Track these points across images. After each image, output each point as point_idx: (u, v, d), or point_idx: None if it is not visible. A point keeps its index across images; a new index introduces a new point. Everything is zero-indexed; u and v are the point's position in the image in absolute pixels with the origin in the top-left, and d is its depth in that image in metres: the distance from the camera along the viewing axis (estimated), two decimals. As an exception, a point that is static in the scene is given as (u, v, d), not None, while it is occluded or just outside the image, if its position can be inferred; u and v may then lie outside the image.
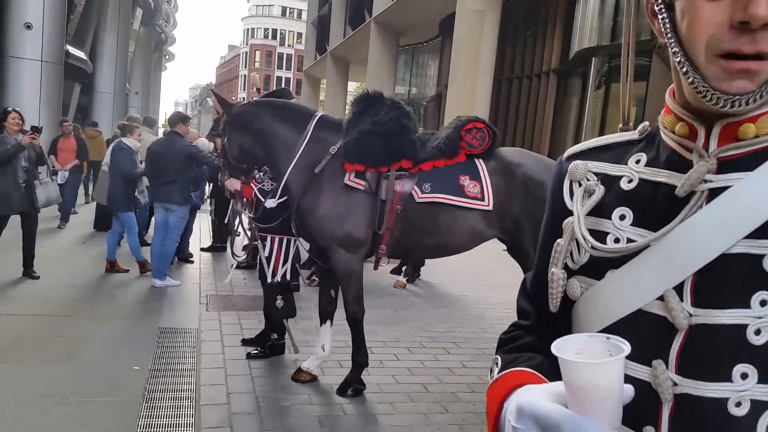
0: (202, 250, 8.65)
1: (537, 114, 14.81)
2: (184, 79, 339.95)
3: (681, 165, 0.83)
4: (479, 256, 4.71)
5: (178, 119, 6.83)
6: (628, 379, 0.71)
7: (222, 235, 8.78)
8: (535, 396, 0.73)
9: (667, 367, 0.77)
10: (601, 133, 12.10)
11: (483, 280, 7.93)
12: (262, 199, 4.17)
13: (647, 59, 9.90)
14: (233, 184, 4.28)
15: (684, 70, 0.75)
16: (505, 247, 3.91)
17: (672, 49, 0.77)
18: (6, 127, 6.24)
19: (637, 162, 0.88)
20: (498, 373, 0.90)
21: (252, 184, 4.29)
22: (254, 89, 5.33)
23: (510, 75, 15.83)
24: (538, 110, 14.76)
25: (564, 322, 0.93)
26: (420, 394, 4.02)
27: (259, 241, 4.37)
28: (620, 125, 1.04)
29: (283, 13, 77.80)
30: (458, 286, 7.55)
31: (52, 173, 8.32)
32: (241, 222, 4.60)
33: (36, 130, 6.32)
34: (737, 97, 0.72)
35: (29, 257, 6.42)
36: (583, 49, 12.57)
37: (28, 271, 6.37)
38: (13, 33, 13.68)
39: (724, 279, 0.75)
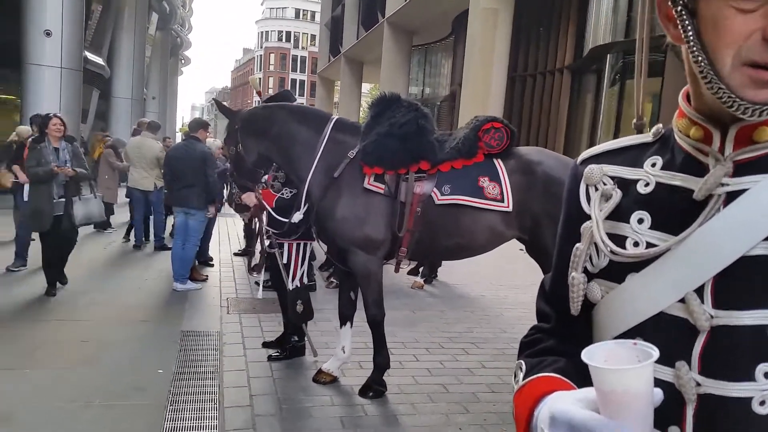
0: (236, 254, 8.80)
1: (551, 111, 14.72)
2: (201, 84, 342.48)
3: (697, 168, 0.83)
4: (497, 256, 4.72)
5: (199, 125, 6.91)
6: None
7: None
8: (568, 403, 0.74)
9: (690, 368, 0.78)
10: (617, 130, 12.00)
11: (501, 280, 7.92)
12: (283, 219, 4.10)
13: (662, 55, 9.80)
14: (250, 198, 4.23)
15: (708, 78, 0.75)
16: (522, 246, 3.91)
17: (696, 56, 0.76)
18: (47, 134, 5.96)
19: (653, 165, 0.89)
20: (523, 379, 0.91)
21: (267, 194, 4.26)
22: (255, 93, 5.32)
23: (524, 72, 15.73)
24: (553, 107, 14.67)
25: (584, 324, 0.93)
26: (440, 395, 4.04)
27: (277, 249, 4.40)
28: (634, 120, 1.04)
29: (297, 16, 78.05)
30: (476, 286, 7.55)
31: (20, 186, 6.78)
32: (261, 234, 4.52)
33: (71, 168, 5.95)
34: (765, 107, 0.72)
35: (59, 265, 6.24)
36: (597, 46, 12.47)
37: (58, 277, 6.24)
38: (33, 40, 13.83)
39: (744, 281, 0.76)
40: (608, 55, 12.57)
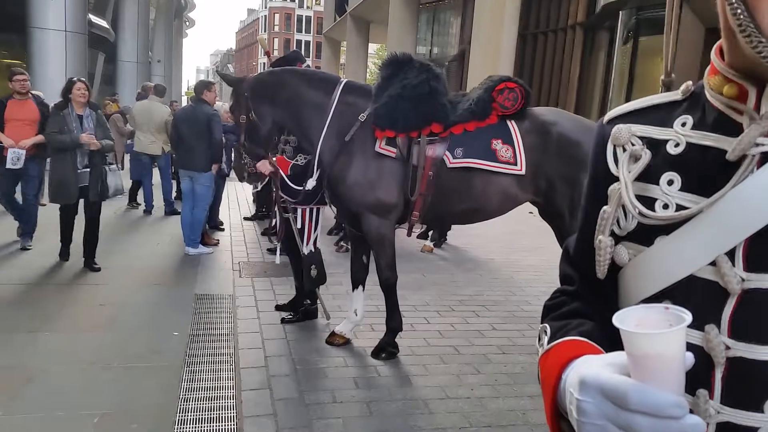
0: (246, 219, 8.82)
1: (563, 69, 14.46)
2: (205, 46, 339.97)
3: (730, 128, 0.80)
4: (507, 219, 4.72)
5: (203, 86, 6.85)
6: None
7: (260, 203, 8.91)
8: (598, 367, 0.73)
9: (719, 332, 0.77)
10: (629, 88, 11.80)
11: (510, 243, 7.94)
12: (297, 187, 4.11)
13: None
14: (265, 166, 4.16)
15: (747, 32, 0.71)
16: (531, 209, 3.89)
17: (734, 9, 0.72)
18: (72, 99, 5.59)
19: (683, 125, 0.86)
20: (548, 343, 0.90)
21: (282, 161, 4.24)
22: (264, 53, 5.21)
23: (535, 30, 15.42)
24: (564, 65, 14.41)
25: (610, 287, 0.92)
26: (452, 356, 4.10)
27: (291, 214, 4.41)
28: (662, 77, 1.00)
29: (301, -26, 76.57)
30: (485, 249, 7.57)
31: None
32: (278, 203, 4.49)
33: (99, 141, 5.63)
34: None
35: (90, 248, 5.86)
36: (610, 3, 12.18)
37: (89, 263, 5.83)
38: (37, 3, 13.68)
39: None
40: (621, 12, 12.28)
